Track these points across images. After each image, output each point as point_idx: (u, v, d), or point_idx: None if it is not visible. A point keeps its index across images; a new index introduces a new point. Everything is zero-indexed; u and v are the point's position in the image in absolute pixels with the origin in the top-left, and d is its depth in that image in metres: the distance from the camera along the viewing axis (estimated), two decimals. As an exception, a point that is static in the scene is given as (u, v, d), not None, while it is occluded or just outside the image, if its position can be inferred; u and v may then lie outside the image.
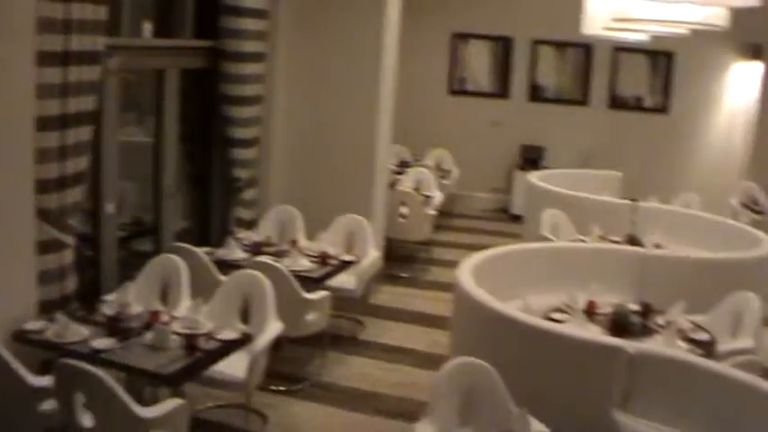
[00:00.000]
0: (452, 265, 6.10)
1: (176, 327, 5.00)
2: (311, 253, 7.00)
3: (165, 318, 5.14)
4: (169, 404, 4.32)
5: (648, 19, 6.52)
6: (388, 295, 8.85)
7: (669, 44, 12.42)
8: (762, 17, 12.11)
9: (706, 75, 13.40)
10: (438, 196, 10.65)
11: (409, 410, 5.90)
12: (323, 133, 8.39)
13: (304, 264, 6.75)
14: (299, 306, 6.30)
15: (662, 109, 13.61)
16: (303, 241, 7.41)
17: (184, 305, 5.57)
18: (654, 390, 4.61)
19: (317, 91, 8.36)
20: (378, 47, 8.26)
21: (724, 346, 5.66)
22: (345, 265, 7.05)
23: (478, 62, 13.74)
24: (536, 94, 13.71)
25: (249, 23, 7.47)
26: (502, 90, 13.72)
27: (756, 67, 12.81)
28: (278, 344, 5.93)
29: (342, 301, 7.36)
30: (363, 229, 7.68)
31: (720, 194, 12.52)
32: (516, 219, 12.22)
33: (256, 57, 7.70)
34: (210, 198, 7.99)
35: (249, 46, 7.55)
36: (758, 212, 11.47)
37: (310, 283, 6.53)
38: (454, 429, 4.27)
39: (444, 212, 12.14)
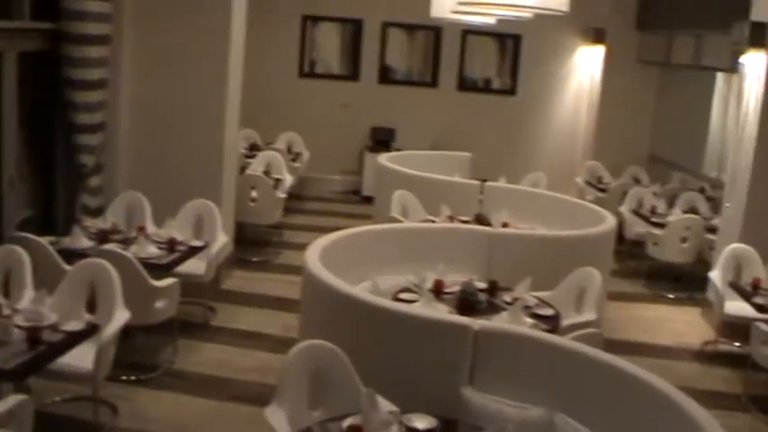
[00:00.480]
0: (304, 247, 6.10)
1: (18, 320, 4.85)
2: (159, 239, 6.91)
3: (6, 311, 4.97)
4: (11, 400, 4.18)
5: (492, 2, 6.65)
6: (239, 280, 8.81)
7: (516, 27, 12.73)
8: (603, 3, 12.59)
9: (552, 58, 13.79)
10: (289, 179, 10.63)
11: (263, 395, 5.84)
12: (170, 117, 8.25)
13: (152, 251, 6.65)
14: (148, 294, 6.21)
15: (510, 91, 13.93)
16: (151, 228, 7.29)
17: (27, 297, 5.42)
18: (499, 365, 4.71)
19: (164, 74, 8.21)
20: (226, 30, 8.16)
21: (568, 320, 5.86)
22: (194, 250, 6.99)
23: (329, 45, 13.76)
24: (386, 76, 13.83)
25: (92, 5, 7.28)
26: (352, 72, 13.78)
27: (599, 50, 13.23)
28: (127, 333, 5.84)
29: (192, 287, 7.30)
30: (212, 213, 7.60)
31: (567, 173, 12.94)
32: (368, 200, 12.32)
33: (100, 39, 7.51)
34: (55, 185, 7.77)
35: (93, 28, 7.36)
36: (602, 190, 11.88)
37: (158, 270, 6.45)
38: (304, 412, 4.28)
39: (296, 195, 12.16)
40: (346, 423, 3.94)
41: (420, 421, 4.08)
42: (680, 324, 8.75)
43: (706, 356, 7.91)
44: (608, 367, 4.43)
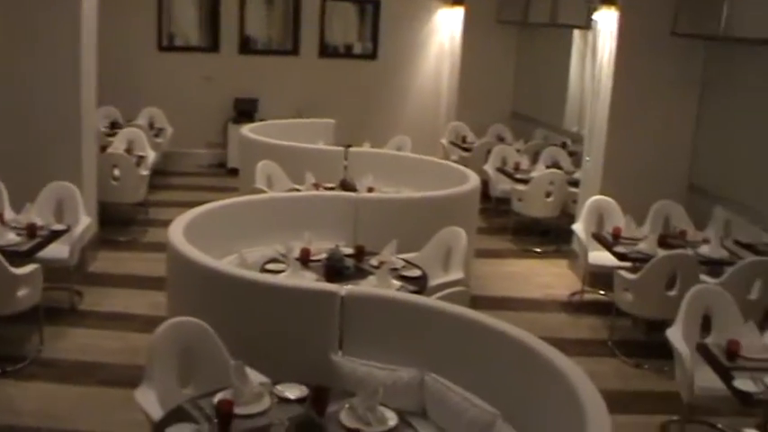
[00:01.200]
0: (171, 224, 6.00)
1: None
2: (18, 225, 6.70)
3: None
4: None
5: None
6: (106, 261, 8.62)
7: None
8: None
9: (412, 21, 13.88)
10: (152, 156, 10.45)
11: (135, 377, 5.75)
12: (23, 98, 7.92)
13: (10, 237, 6.43)
14: (8, 283, 6.02)
15: (371, 55, 13.94)
16: (9, 214, 7.07)
17: None
18: (368, 329, 4.74)
19: (13, 51, 7.87)
20: (77, 4, 7.88)
21: (435, 280, 5.93)
22: (56, 234, 6.79)
23: (187, 16, 13.49)
24: (247, 46, 13.67)
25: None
26: (212, 44, 13.57)
27: (458, 12, 13.34)
28: (-12, 324, 5.67)
29: (57, 272, 7.12)
30: (73, 195, 7.41)
31: (431, 135, 13.07)
32: (234, 173, 12.19)
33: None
34: None
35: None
36: (467, 150, 12.03)
37: (18, 257, 6.25)
38: (174, 391, 4.23)
39: (160, 171, 12.00)
40: (217, 398, 3.90)
41: (291, 391, 4.08)
42: (547, 277, 8.97)
43: (573, 306, 8.14)
44: (474, 324, 4.50)
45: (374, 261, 6.05)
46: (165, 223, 6.32)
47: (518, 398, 4.19)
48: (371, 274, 5.76)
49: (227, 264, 5.61)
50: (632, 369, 6.82)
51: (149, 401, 4.02)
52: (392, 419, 3.91)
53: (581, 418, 3.57)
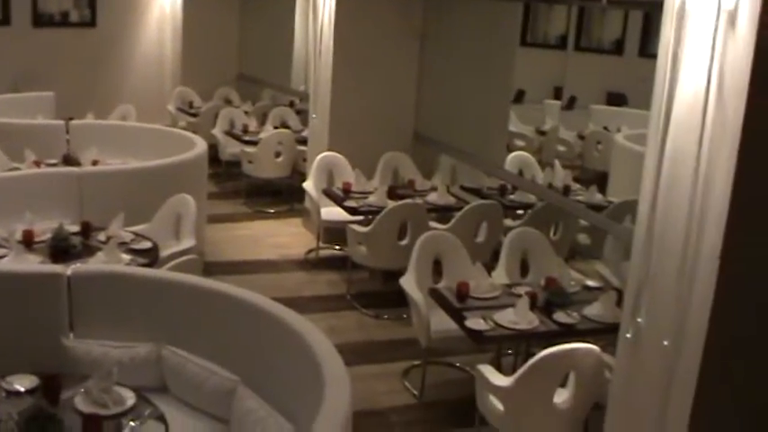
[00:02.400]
0: None
1: None
2: None
3: None
4: None
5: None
6: None
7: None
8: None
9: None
10: None
11: None
12: None
13: None
14: None
15: (90, 23, 13.40)
16: None
17: None
18: (99, 308, 4.59)
19: None
20: None
21: (167, 250, 5.83)
22: None
23: None
24: (-51, 18, 12.79)
25: None
26: None
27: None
28: None
29: None
30: None
31: (158, 102, 12.80)
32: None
33: None
34: None
35: None
36: (194, 115, 11.85)
37: None
38: None
39: None
40: (-65, 403, 3.69)
41: (21, 382, 3.94)
42: (283, 237, 9.01)
43: (310, 264, 8.23)
44: (206, 292, 4.47)
45: (102, 236, 5.86)
46: None
47: (257, 361, 4.20)
48: (100, 250, 5.58)
49: (-59, 254, 5.28)
50: (372, 320, 6.97)
51: None
52: (130, 398, 3.83)
53: (318, 373, 3.62)
